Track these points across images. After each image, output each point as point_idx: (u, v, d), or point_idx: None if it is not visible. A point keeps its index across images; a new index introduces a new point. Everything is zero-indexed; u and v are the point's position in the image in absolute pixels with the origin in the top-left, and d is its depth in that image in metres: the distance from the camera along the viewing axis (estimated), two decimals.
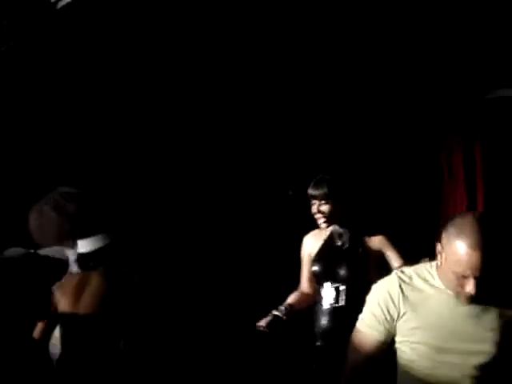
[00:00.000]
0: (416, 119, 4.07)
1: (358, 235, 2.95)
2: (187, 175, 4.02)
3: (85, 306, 2.30)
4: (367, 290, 2.07)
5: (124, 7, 3.23)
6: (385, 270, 2.69)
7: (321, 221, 2.96)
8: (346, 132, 4.14)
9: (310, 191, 2.96)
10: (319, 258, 2.98)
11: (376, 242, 2.93)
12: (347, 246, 2.92)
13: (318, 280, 2.98)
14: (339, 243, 2.95)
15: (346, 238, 2.94)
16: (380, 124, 4.10)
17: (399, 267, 2.36)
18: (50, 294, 2.10)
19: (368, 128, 4.12)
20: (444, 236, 1.84)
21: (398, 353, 1.99)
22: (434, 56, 3.69)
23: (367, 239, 2.94)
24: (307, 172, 3.87)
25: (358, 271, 2.85)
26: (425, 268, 1.99)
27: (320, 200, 2.93)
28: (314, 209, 2.96)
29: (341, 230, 2.97)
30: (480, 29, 3.50)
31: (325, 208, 2.94)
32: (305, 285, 3.09)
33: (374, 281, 2.09)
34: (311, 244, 3.07)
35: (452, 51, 3.66)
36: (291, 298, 3.01)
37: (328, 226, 2.99)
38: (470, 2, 3.30)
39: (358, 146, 4.12)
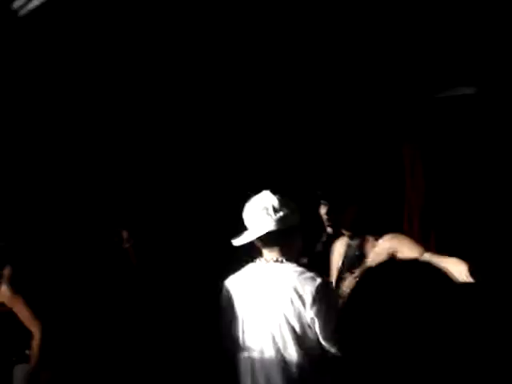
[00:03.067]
0: (369, 118, 4.18)
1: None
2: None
3: None
4: None
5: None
6: None
7: (328, 226, 2.73)
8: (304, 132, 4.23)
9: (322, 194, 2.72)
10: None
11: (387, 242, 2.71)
12: (358, 253, 2.72)
13: None
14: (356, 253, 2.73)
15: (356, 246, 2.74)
16: (335, 124, 4.20)
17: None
18: None
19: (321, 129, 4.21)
20: None
21: None
22: (386, 56, 3.80)
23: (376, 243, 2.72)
24: (269, 173, 4.01)
25: None
26: None
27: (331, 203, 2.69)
28: (324, 212, 2.70)
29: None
30: (431, 29, 3.62)
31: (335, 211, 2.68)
32: None
33: None
34: (336, 251, 2.88)
35: (403, 51, 3.77)
36: None
37: (334, 231, 2.76)
38: (420, 2, 3.40)
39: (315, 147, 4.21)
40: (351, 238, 2.77)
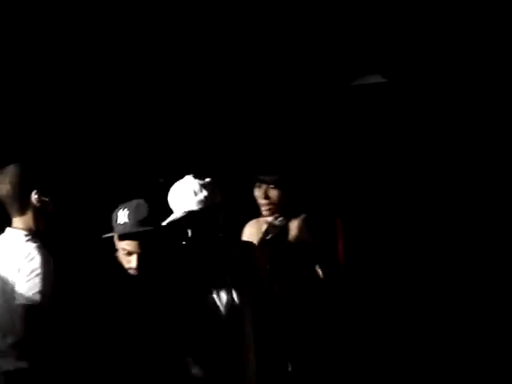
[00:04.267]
0: (286, 106, 4.15)
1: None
2: None
3: None
4: None
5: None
6: None
7: (265, 207, 2.86)
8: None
9: (260, 175, 2.86)
10: None
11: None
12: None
13: None
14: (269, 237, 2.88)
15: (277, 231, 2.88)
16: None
17: None
18: None
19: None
20: None
21: None
22: (300, 44, 3.79)
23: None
24: (179, 159, 3.90)
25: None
26: None
27: (269, 185, 2.83)
28: (261, 194, 2.85)
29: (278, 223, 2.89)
30: (344, 17, 3.65)
31: (273, 194, 2.85)
32: None
33: None
34: (247, 235, 2.97)
35: (317, 39, 3.77)
36: None
37: (271, 215, 2.88)
38: None
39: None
40: (276, 219, 2.89)
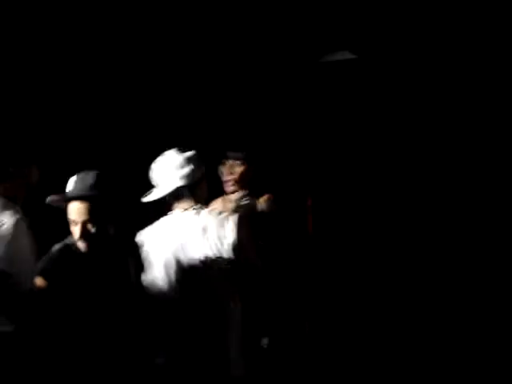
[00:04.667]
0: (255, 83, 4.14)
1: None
2: None
3: None
4: None
5: None
6: None
7: (229, 183, 2.88)
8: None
9: (227, 152, 2.88)
10: None
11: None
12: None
13: None
14: None
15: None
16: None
17: None
18: None
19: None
20: None
21: None
22: (269, 21, 3.76)
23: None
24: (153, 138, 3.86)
25: None
26: None
27: (234, 161, 2.85)
28: (226, 170, 2.86)
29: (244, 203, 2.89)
30: None
31: (238, 170, 2.86)
32: None
33: None
34: None
35: (286, 16, 3.75)
36: None
37: (233, 192, 2.90)
38: None
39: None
40: (241, 198, 2.90)
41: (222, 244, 2.32)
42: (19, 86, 3.57)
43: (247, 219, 2.56)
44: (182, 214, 2.42)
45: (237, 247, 2.32)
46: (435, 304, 3.92)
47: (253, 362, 2.54)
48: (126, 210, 2.29)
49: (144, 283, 2.39)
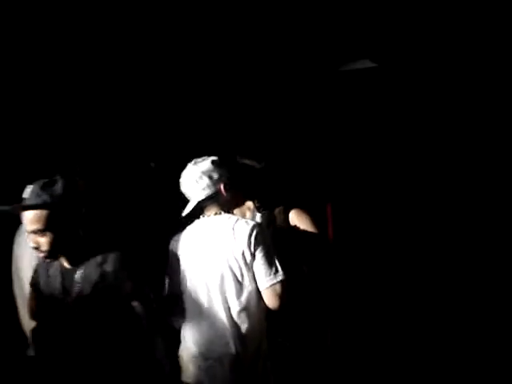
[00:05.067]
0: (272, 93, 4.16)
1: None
2: None
3: None
4: None
5: None
6: None
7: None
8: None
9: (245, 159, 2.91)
10: None
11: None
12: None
13: None
14: None
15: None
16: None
17: None
18: None
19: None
20: None
21: None
22: (289, 30, 3.78)
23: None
24: (169, 144, 3.90)
25: None
26: None
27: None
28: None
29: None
30: (333, 2, 3.64)
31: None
32: None
33: None
34: None
35: (306, 24, 3.77)
36: None
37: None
38: None
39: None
40: (259, 209, 2.89)
41: (249, 250, 2.38)
42: (17, 86, 3.65)
43: (269, 228, 2.66)
44: (208, 219, 2.50)
45: (263, 254, 2.38)
46: (461, 313, 3.88)
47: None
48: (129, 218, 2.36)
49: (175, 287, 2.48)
